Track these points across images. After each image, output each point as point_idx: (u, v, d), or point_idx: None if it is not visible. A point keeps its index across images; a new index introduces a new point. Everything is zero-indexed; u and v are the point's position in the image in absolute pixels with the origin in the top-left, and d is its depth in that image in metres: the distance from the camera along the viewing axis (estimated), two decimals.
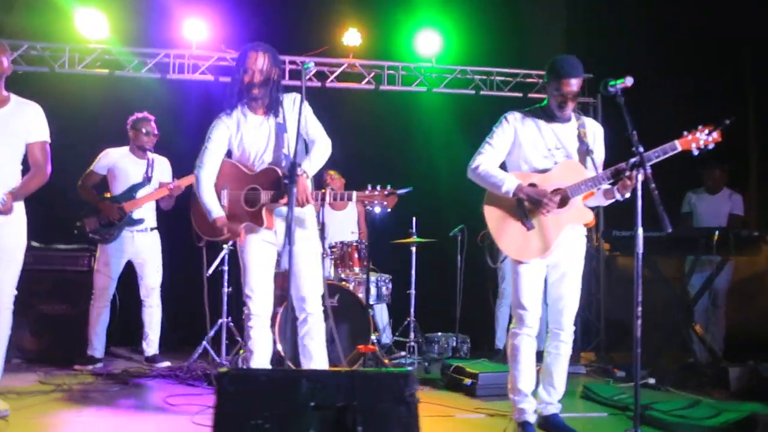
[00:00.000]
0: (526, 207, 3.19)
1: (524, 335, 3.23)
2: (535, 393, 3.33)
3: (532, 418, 3.23)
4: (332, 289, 4.55)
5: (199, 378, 4.40)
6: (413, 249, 5.33)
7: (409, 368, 2.35)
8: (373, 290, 5.14)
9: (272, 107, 3.40)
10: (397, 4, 6.73)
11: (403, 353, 5.26)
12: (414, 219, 5.36)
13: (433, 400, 3.99)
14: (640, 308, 2.84)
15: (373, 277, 5.16)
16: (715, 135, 3.05)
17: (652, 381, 4.60)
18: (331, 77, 6.69)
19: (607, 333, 6.58)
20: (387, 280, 5.28)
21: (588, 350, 6.47)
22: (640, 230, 2.84)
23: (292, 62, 6.67)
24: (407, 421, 2.27)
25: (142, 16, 6.44)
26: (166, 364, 4.87)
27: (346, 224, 5.76)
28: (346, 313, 4.42)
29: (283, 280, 3.84)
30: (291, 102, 3.48)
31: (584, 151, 3.27)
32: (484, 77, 6.84)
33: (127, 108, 5.39)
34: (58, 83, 6.35)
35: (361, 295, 4.79)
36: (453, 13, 6.74)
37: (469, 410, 3.76)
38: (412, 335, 5.27)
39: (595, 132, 3.35)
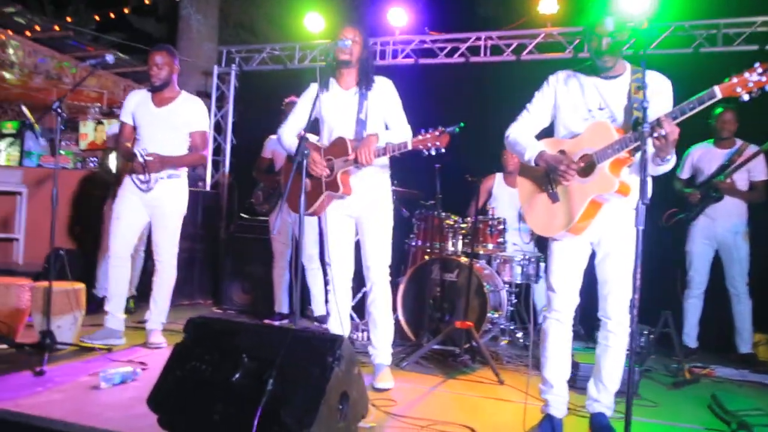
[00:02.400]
0: (551, 177, 2.85)
1: (552, 320, 2.90)
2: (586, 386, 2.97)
3: (558, 413, 2.89)
4: (452, 264, 4.55)
5: None
6: None
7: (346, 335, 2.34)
8: (518, 269, 4.93)
9: (360, 83, 3.56)
10: None
11: None
12: None
13: (521, 386, 3.76)
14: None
15: (518, 256, 4.95)
16: None
17: None
18: (530, 47, 6.46)
19: None
20: (534, 259, 4.98)
21: None
22: (641, 204, 2.33)
23: (488, 38, 6.63)
24: (316, 383, 2.36)
25: (353, 10, 7.10)
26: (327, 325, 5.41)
27: (513, 201, 5.53)
28: (464, 289, 4.38)
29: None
30: (382, 83, 3.61)
31: (631, 111, 2.77)
32: (708, 31, 5.84)
33: None
34: (290, 78, 7.40)
35: (487, 272, 4.68)
36: None
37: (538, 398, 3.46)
38: None
39: (654, 87, 2.79)
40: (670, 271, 5.11)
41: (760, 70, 2.34)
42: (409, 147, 3.32)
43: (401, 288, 4.62)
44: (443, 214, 4.79)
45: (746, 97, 2.37)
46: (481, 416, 3.14)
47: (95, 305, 5.12)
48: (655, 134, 2.49)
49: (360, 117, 3.47)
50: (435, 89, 6.74)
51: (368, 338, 3.89)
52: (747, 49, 5.74)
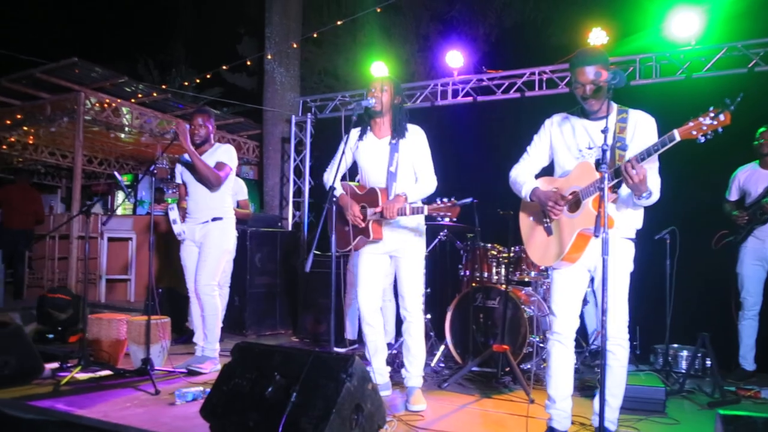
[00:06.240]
0: (545, 212, 3.18)
1: (554, 341, 3.20)
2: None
3: (560, 426, 3.17)
4: (493, 291, 4.86)
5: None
6: None
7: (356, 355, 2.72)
8: None
9: (393, 132, 3.92)
10: None
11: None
12: None
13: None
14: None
15: None
16: (722, 117, 2.56)
17: None
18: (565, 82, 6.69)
19: None
20: None
21: None
22: (603, 234, 2.63)
23: (542, 72, 6.92)
24: (330, 395, 2.81)
25: (412, 56, 7.64)
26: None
27: None
28: (504, 314, 4.69)
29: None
30: (413, 132, 3.94)
31: (615, 149, 3.06)
32: (765, 49, 5.86)
33: None
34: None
35: (533, 299, 4.94)
36: None
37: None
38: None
39: (637, 125, 3.08)
40: (721, 292, 5.14)
41: (712, 115, 2.59)
42: (425, 213, 3.67)
43: (449, 315, 4.98)
44: (488, 245, 5.13)
45: (702, 139, 2.63)
46: (499, 430, 3.44)
47: (187, 336, 5.84)
48: (625, 174, 2.79)
49: (390, 169, 3.87)
50: (493, 124, 7.08)
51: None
52: None
